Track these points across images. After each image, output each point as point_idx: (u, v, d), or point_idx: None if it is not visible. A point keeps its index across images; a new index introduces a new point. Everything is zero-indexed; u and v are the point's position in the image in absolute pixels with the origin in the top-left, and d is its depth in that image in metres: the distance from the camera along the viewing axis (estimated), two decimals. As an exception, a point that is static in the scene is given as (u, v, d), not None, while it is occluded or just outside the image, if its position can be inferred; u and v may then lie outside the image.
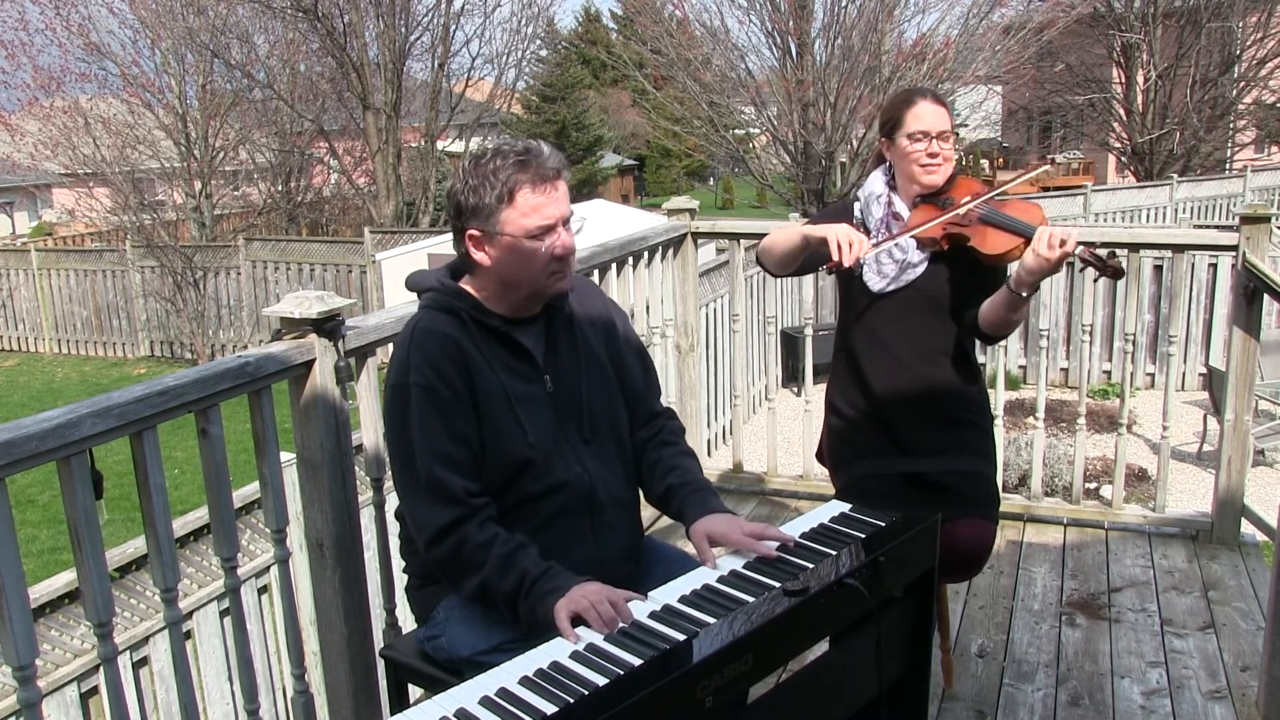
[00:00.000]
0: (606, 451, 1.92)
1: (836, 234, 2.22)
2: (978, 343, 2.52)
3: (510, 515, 1.81)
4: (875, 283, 2.40)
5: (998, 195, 2.36)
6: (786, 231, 2.43)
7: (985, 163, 26.53)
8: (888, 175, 2.46)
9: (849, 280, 2.45)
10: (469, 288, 1.87)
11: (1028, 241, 2.22)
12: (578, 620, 1.60)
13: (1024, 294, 2.23)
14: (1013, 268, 2.29)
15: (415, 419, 1.76)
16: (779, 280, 9.36)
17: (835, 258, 2.21)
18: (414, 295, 1.95)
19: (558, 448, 1.85)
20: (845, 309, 2.50)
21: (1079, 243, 2.18)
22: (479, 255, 1.81)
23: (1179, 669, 2.81)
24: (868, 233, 2.43)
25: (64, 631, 3.51)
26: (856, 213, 2.48)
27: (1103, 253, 2.21)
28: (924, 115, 2.33)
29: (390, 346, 2.34)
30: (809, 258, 2.42)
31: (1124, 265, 2.22)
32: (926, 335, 2.40)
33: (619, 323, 2.03)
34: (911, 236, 2.34)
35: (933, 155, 2.33)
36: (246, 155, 16.17)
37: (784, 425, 5.59)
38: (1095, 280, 2.36)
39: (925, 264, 2.37)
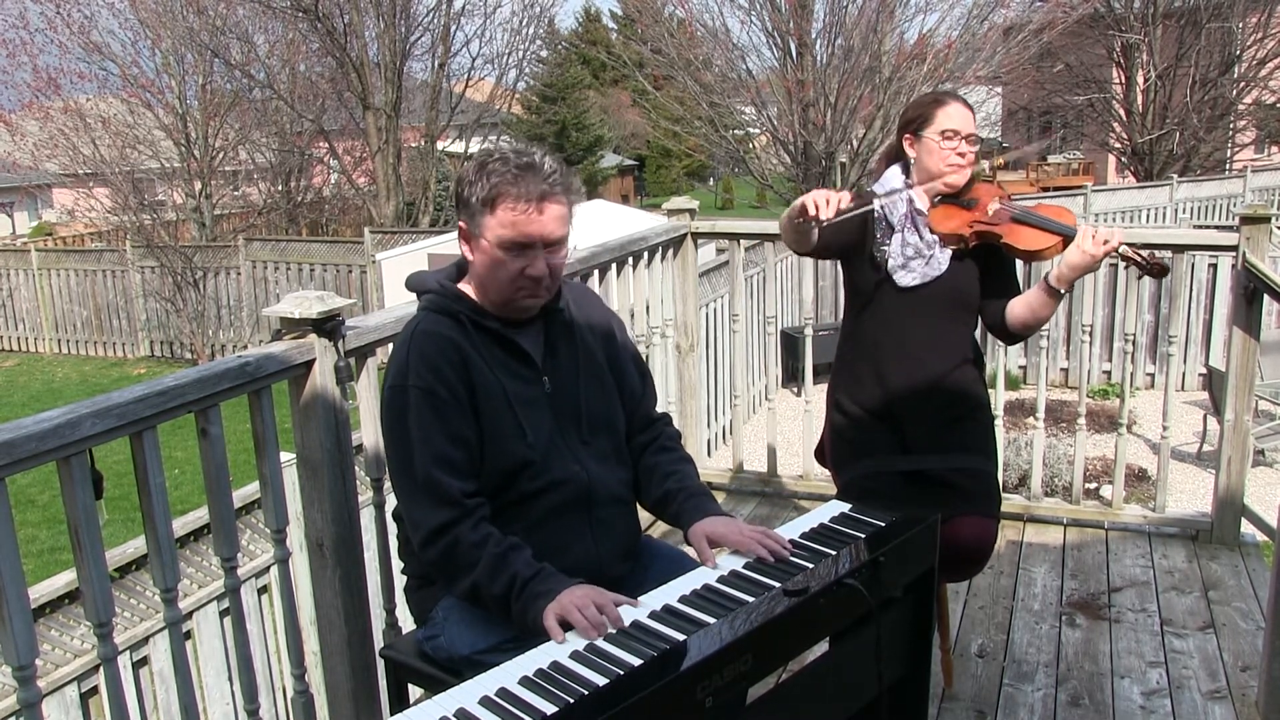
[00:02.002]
0: (604, 452, 1.92)
1: (810, 198, 2.25)
2: (978, 341, 2.53)
3: (508, 513, 1.81)
4: (904, 279, 2.41)
5: (1020, 198, 2.41)
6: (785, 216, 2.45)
7: (985, 163, 26.52)
8: (905, 172, 2.47)
9: (870, 278, 2.45)
10: (468, 290, 1.87)
11: (1065, 241, 2.29)
12: (566, 625, 1.59)
13: (1063, 290, 2.30)
14: (1037, 266, 2.32)
15: (414, 421, 1.76)
16: (779, 280, 9.37)
17: (813, 213, 2.22)
18: (413, 295, 1.95)
19: (556, 448, 1.85)
20: (863, 305, 2.50)
21: (1122, 241, 2.24)
22: (464, 248, 1.84)
23: (1179, 669, 2.82)
24: (890, 230, 2.44)
25: (64, 631, 3.50)
26: (877, 208, 2.48)
27: (1145, 251, 2.26)
28: (956, 115, 2.38)
29: (391, 347, 2.35)
30: (806, 230, 2.41)
31: (1168, 262, 2.28)
32: (947, 332, 2.44)
33: (617, 329, 2.04)
34: (936, 234, 2.38)
35: (961, 155, 2.38)
36: (246, 155, 16.18)
37: (784, 425, 5.60)
38: (1139, 278, 2.43)
39: (949, 261, 2.41)
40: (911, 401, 2.44)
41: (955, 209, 2.39)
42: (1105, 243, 2.22)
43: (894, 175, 2.49)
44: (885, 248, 2.43)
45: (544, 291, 1.82)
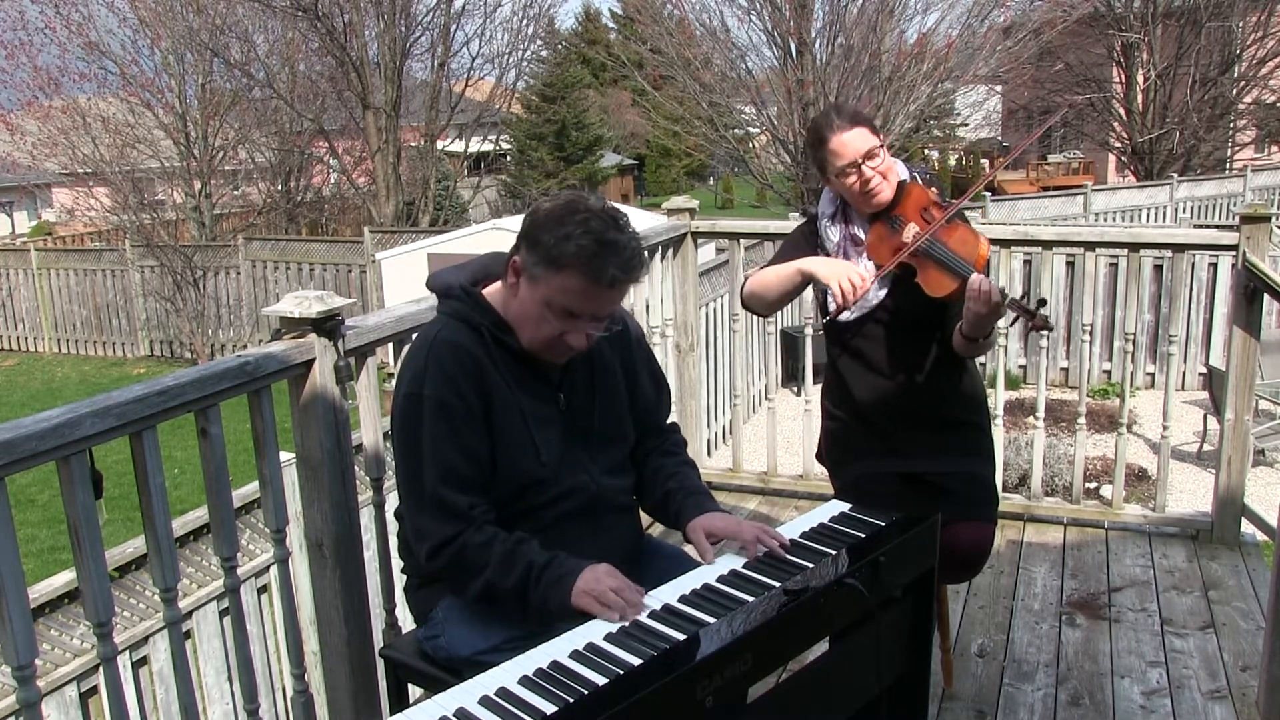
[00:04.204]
0: (613, 461, 1.92)
1: (838, 279, 2.20)
2: None
3: (514, 522, 1.81)
4: (841, 314, 2.37)
5: (958, 214, 2.29)
6: (779, 271, 2.39)
7: (985, 162, 26.54)
8: (836, 194, 2.40)
9: (837, 316, 2.41)
10: (494, 299, 1.84)
11: (963, 283, 2.17)
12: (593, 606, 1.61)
13: (978, 340, 2.21)
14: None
15: (427, 432, 1.75)
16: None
17: (839, 303, 2.21)
18: (417, 294, 1.94)
19: (566, 462, 1.85)
20: (826, 327, 2.48)
21: (1004, 292, 2.13)
22: (512, 279, 1.78)
23: (1179, 669, 2.81)
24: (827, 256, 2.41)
25: (64, 631, 3.50)
26: (821, 233, 2.45)
27: (1031, 305, 2.15)
28: (841, 148, 2.24)
29: (391, 346, 2.35)
30: (794, 293, 2.41)
31: (1051, 321, 2.18)
32: (905, 350, 2.38)
33: (633, 331, 2.03)
34: (869, 260, 2.31)
35: (866, 181, 2.26)
36: (246, 155, 16.16)
37: (784, 425, 5.59)
38: (1028, 331, 2.29)
39: (887, 288, 2.34)
40: (888, 413, 2.41)
41: (885, 231, 2.30)
42: (989, 300, 2.09)
43: (825, 202, 2.43)
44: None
45: (574, 353, 1.80)
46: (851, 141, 2.23)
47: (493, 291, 1.85)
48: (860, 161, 2.24)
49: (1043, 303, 2.17)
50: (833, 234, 2.39)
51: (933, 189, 2.34)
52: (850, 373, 2.44)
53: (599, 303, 1.72)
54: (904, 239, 2.26)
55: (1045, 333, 2.17)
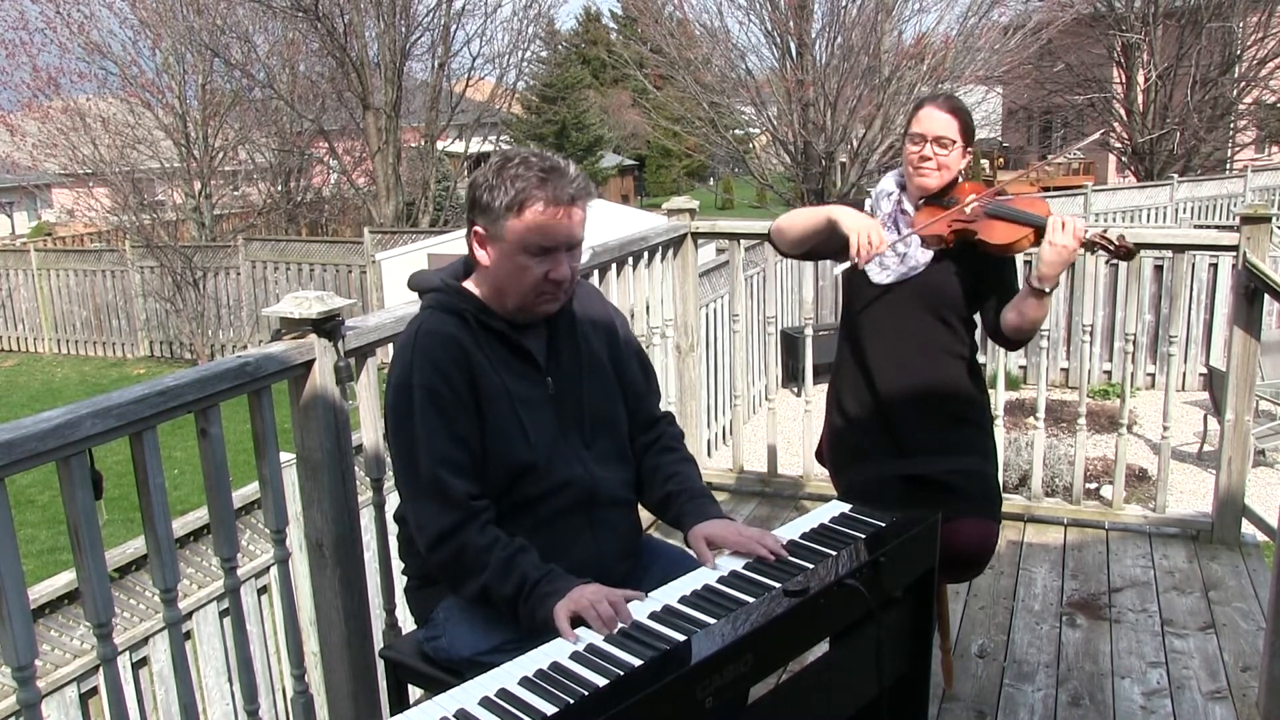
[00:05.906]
0: (606, 453, 1.92)
1: (859, 232, 2.25)
2: (977, 343, 2.52)
3: (511, 515, 1.82)
4: (876, 274, 2.42)
5: (1000, 192, 2.37)
6: (811, 212, 2.46)
7: (985, 163, 26.52)
8: (900, 175, 2.49)
9: (853, 276, 2.46)
10: (473, 287, 1.87)
11: (1037, 232, 2.26)
12: (577, 621, 1.60)
13: (1047, 289, 2.28)
14: (1022, 268, 2.31)
15: (418, 421, 1.76)
16: (779, 280, 9.36)
17: (854, 256, 2.26)
18: (415, 295, 1.95)
19: (558, 450, 1.85)
20: (852, 305, 2.52)
21: (1088, 227, 2.23)
22: (480, 253, 1.82)
23: (1179, 669, 2.81)
24: None
25: (64, 632, 3.50)
26: (866, 208, 2.50)
27: (1113, 234, 2.25)
28: (924, 119, 2.36)
29: (391, 347, 2.35)
30: (821, 245, 2.45)
31: (1134, 245, 2.26)
32: (927, 331, 2.42)
33: (620, 326, 2.04)
34: (918, 234, 2.36)
35: (924, 159, 2.35)
36: (246, 155, 16.17)
37: (784, 425, 5.60)
38: (1108, 263, 2.40)
39: (929, 260, 2.39)
40: (900, 399, 2.43)
41: (937, 209, 2.39)
42: (1074, 233, 2.20)
43: (889, 177, 2.52)
44: None
45: (563, 295, 1.83)
46: (937, 120, 2.35)
47: (471, 282, 1.88)
48: (930, 139, 2.34)
49: (1122, 234, 2.26)
50: (884, 206, 2.46)
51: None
52: (871, 350, 2.46)
53: (566, 226, 1.77)
54: (964, 210, 2.34)
55: (1129, 260, 2.26)
